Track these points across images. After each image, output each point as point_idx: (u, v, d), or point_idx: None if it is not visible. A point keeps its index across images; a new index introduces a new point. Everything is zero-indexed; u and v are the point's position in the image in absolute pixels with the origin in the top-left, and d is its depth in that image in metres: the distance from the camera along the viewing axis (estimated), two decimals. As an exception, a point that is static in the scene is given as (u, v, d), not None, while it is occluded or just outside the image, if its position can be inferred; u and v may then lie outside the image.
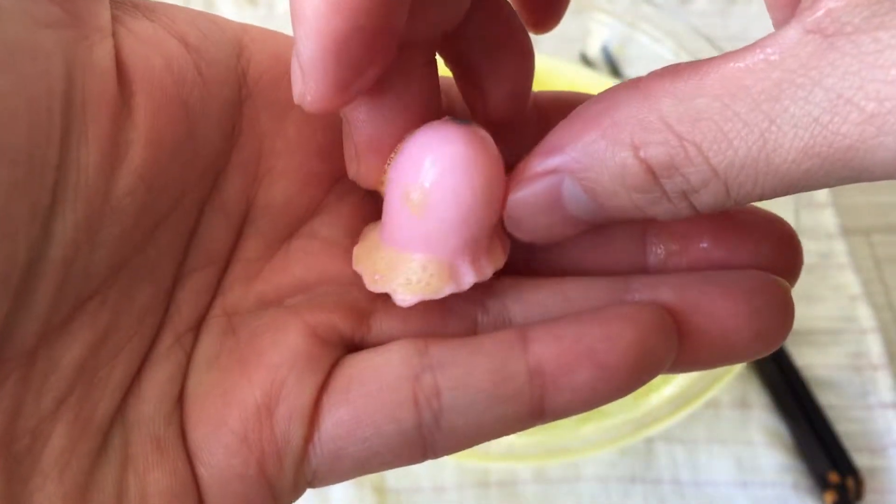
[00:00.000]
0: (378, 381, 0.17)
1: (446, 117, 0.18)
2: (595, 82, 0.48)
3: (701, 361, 0.17)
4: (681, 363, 0.17)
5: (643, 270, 0.19)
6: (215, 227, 0.18)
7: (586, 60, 0.52)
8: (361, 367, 0.17)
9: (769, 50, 0.14)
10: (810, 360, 0.42)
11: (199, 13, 0.18)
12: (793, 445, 0.39)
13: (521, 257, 0.19)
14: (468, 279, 0.18)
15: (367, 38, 0.16)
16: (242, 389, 0.17)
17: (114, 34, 0.16)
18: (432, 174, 0.17)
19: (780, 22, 0.15)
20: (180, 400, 0.17)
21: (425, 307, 0.18)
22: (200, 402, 0.17)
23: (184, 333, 0.17)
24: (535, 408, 0.17)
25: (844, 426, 0.39)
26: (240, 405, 0.17)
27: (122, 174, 0.15)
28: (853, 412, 0.40)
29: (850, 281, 0.44)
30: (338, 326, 0.18)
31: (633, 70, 0.51)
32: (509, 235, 0.18)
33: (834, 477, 0.37)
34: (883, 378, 0.41)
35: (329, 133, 0.19)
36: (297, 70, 0.16)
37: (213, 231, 0.18)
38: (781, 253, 0.18)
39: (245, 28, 0.19)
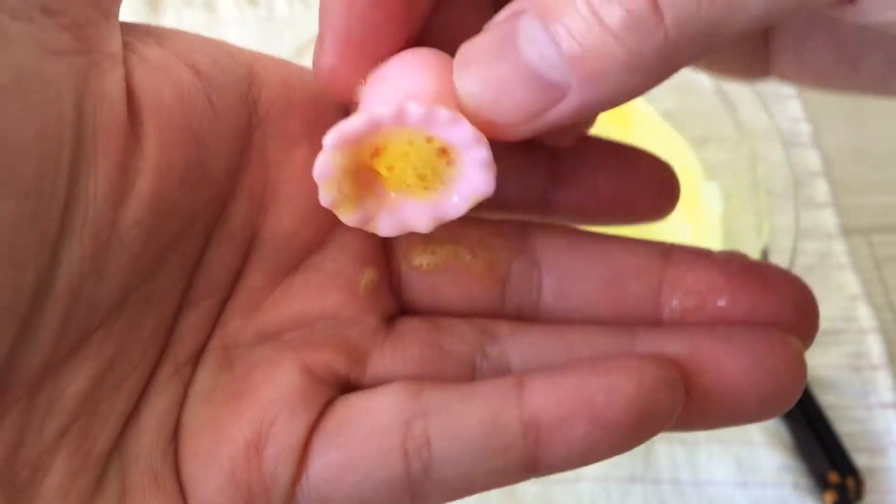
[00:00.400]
0: (370, 426, 0.16)
1: None
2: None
3: (708, 421, 0.17)
4: (687, 422, 0.16)
5: (657, 324, 0.18)
6: (220, 256, 0.18)
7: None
8: (354, 409, 0.17)
9: None
10: (810, 360, 0.41)
11: (212, 41, 0.18)
12: (793, 445, 0.39)
13: (529, 300, 0.19)
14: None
15: (386, 15, 0.16)
16: (233, 425, 0.17)
17: (125, 61, 0.16)
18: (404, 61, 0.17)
19: None
20: (176, 432, 0.17)
21: (422, 350, 0.17)
22: (194, 436, 0.17)
23: (183, 364, 0.17)
24: (529, 461, 0.16)
25: (844, 426, 0.39)
26: (230, 441, 0.17)
27: (131, 204, 0.15)
28: (853, 412, 0.40)
29: (850, 281, 0.44)
30: (333, 365, 0.17)
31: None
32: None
33: (834, 477, 0.37)
34: (883, 378, 0.41)
35: None
36: (319, 37, 0.16)
37: (218, 260, 0.18)
38: (798, 314, 0.18)
39: (257, 56, 0.19)
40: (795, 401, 0.17)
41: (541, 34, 0.14)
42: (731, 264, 0.18)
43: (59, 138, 0.14)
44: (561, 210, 0.20)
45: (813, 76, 0.19)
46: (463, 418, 0.16)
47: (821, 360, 0.42)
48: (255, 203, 0.18)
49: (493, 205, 0.19)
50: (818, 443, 0.38)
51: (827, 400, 0.40)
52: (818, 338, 0.44)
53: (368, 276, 0.19)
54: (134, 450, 0.16)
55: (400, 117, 0.16)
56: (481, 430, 0.16)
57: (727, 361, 0.16)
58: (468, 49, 0.16)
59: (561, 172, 0.20)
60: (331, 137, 0.16)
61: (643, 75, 0.14)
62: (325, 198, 0.17)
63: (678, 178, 0.20)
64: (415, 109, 0.16)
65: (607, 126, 0.46)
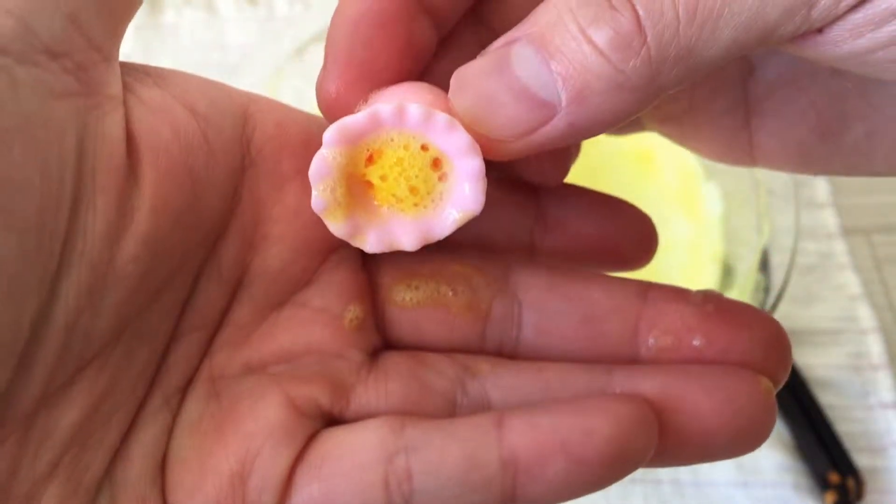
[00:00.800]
0: (351, 461, 0.17)
1: None
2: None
3: (679, 458, 0.17)
4: (659, 459, 0.17)
5: (633, 361, 0.18)
6: (210, 291, 0.18)
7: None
8: (337, 443, 0.17)
9: None
10: (810, 360, 0.42)
11: (209, 82, 0.18)
12: (793, 445, 0.39)
13: (509, 337, 0.19)
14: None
15: (384, 21, 0.16)
16: (219, 456, 0.17)
17: (125, 102, 0.16)
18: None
19: None
20: (164, 461, 0.17)
21: (404, 385, 0.18)
22: (180, 466, 0.17)
23: (172, 395, 0.18)
24: (507, 497, 0.16)
25: (844, 426, 0.39)
26: (215, 472, 0.17)
27: (127, 241, 0.16)
28: (853, 412, 0.40)
29: (850, 281, 0.44)
30: (318, 399, 0.18)
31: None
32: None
33: (834, 477, 0.37)
34: (883, 378, 0.41)
35: None
36: (324, 61, 0.17)
37: (208, 295, 0.18)
38: (770, 353, 0.18)
39: (252, 98, 0.19)
40: (765, 439, 0.17)
41: (533, 55, 0.15)
42: (707, 304, 0.19)
43: (61, 177, 0.15)
44: (546, 253, 0.20)
45: (798, 157, 0.20)
46: (444, 454, 0.16)
47: (821, 360, 0.42)
48: (246, 241, 0.18)
49: (481, 246, 0.20)
50: (818, 443, 0.38)
51: (827, 400, 0.40)
52: (818, 338, 0.45)
53: (353, 311, 0.19)
54: (123, 478, 0.17)
55: (400, 116, 0.16)
56: (461, 466, 0.16)
57: (699, 401, 0.17)
58: (465, 70, 0.16)
59: (548, 216, 0.20)
60: (330, 133, 0.16)
61: (630, 95, 0.15)
62: (318, 201, 0.17)
63: (657, 230, 0.21)
64: (414, 109, 0.16)
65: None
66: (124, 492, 0.17)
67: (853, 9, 0.13)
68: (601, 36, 0.14)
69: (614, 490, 0.38)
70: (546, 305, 0.19)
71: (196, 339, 0.18)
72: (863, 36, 0.14)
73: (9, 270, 0.14)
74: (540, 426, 0.16)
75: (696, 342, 0.18)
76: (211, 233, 0.18)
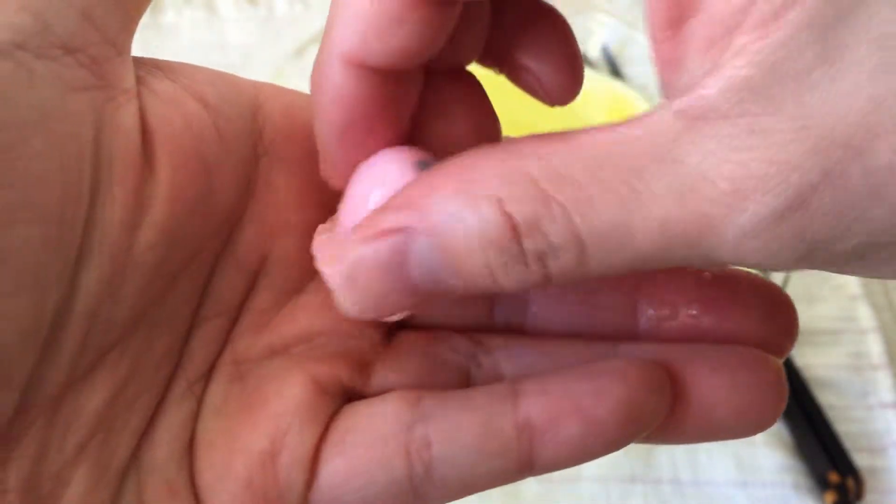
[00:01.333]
0: (372, 433, 0.17)
1: (406, 151, 0.18)
2: (595, 82, 0.48)
3: (684, 436, 0.17)
4: (663, 435, 0.17)
5: (633, 334, 0.19)
6: (229, 278, 0.18)
7: (586, 60, 0.52)
8: (357, 418, 0.18)
9: (639, 126, 0.14)
10: (810, 360, 0.42)
11: (218, 73, 0.19)
12: (793, 445, 0.39)
13: (516, 315, 0.19)
14: None
15: (367, 128, 0.17)
16: (248, 437, 0.17)
17: (138, 95, 0.17)
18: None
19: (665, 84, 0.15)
20: (191, 445, 0.18)
21: (420, 360, 0.18)
22: (208, 448, 0.18)
23: (195, 381, 0.18)
24: (524, 462, 0.17)
25: (844, 426, 0.39)
26: (245, 452, 0.17)
27: (145, 229, 0.16)
28: (853, 412, 0.40)
29: (850, 281, 0.44)
30: (339, 376, 0.18)
31: (634, 70, 0.51)
32: None
33: (834, 477, 0.37)
34: (883, 378, 0.41)
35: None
36: (319, 153, 0.18)
37: (226, 282, 0.18)
38: (773, 322, 0.18)
39: (259, 87, 0.19)
40: (775, 419, 0.17)
41: (432, 257, 0.15)
42: (705, 272, 0.19)
43: (79, 168, 0.15)
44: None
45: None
46: (460, 423, 0.17)
47: (821, 360, 0.42)
48: (264, 227, 0.19)
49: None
50: (818, 443, 0.38)
51: (827, 400, 0.40)
52: (818, 338, 0.45)
53: None
54: (150, 462, 0.17)
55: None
56: (478, 433, 0.17)
57: (704, 377, 0.17)
58: (356, 263, 0.15)
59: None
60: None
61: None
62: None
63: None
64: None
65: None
66: (151, 475, 0.17)
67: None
68: (504, 271, 0.15)
69: (615, 490, 0.38)
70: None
71: (217, 325, 0.18)
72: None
73: (31, 260, 0.14)
74: (553, 391, 0.17)
75: (693, 311, 0.18)
76: (226, 221, 0.18)
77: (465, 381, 0.19)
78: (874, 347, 0.42)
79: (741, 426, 0.17)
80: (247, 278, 0.19)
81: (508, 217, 0.14)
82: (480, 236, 0.14)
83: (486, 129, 0.19)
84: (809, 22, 0.13)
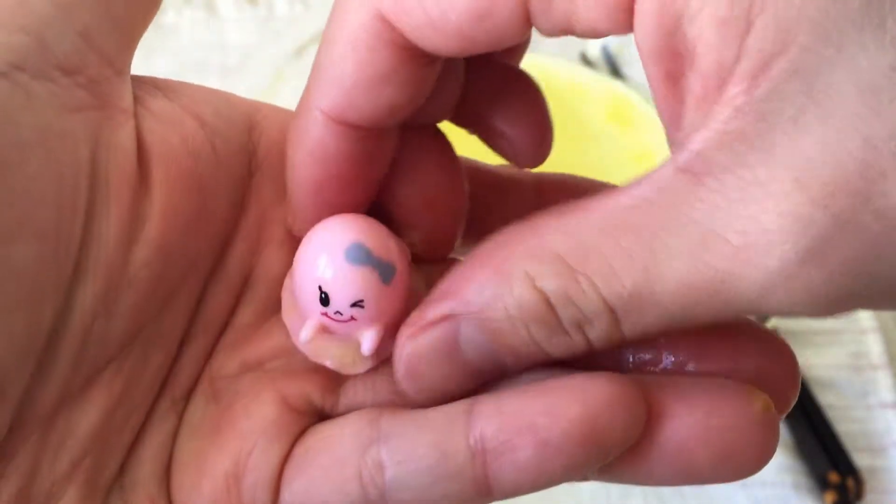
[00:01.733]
0: (330, 455, 0.17)
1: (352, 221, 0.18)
2: (595, 82, 0.48)
3: (654, 478, 0.16)
4: (633, 477, 0.16)
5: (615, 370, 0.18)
6: (218, 294, 0.18)
7: (586, 60, 0.52)
8: (319, 437, 0.17)
9: (647, 187, 0.14)
10: (810, 360, 0.42)
11: (215, 92, 0.19)
12: (793, 445, 0.39)
13: None
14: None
15: (341, 186, 0.17)
16: (215, 457, 0.17)
17: (136, 115, 0.17)
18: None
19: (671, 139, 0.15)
20: (169, 463, 0.18)
21: (392, 380, 0.18)
22: (182, 468, 0.18)
23: (179, 398, 0.18)
24: (481, 485, 0.16)
25: (844, 426, 0.39)
26: (211, 473, 0.17)
27: (140, 246, 0.16)
28: (853, 412, 0.40)
29: (850, 281, 0.44)
30: (309, 395, 0.18)
31: (633, 70, 0.51)
32: None
33: (834, 477, 0.37)
34: (883, 378, 0.41)
35: None
36: (288, 203, 0.18)
37: (216, 298, 0.18)
38: (771, 367, 0.17)
39: (257, 106, 0.20)
40: (762, 464, 0.16)
41: (480, 338, 0.16)
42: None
43: (76, 187, 0.15)
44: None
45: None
46: (415, 444, 0.16)
47: (821, 360, 0.42)
48: (251, 243, 0.19)
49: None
50: (818, 443, 0.38)
51: (827, 400, 0.40)
52: (818, 338, 0.45)
53: None
54: (133, 480, 0.17)
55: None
56: (431, 455, 0.16)
57: (679, 414, 0.15)
58: (411, 354, 0.17)
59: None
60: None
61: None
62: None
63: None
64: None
65: (606, 125, 0.46)
66: (134, 494, 0.17)
67: None
68: (549, 342, 0.15)
69: (615, 490, 0.38)
70: None
71: (202, 342, 0.18)
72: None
73: (28, 278, 0.15)
74: (507, 411, 0.16)
75: (683, 357, 0.17)
76: (219, 238, 0.18)
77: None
78: (874, 347, 0.42)
79: (721, 471, 0.16)
80: (233, 295, 0.19)
81: (540, 292, 0.15)
82: (520, 312, 0.15)
83: (453, 185, 0.20)
84: (795, 70, 0.13)
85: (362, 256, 0.17)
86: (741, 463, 0.16)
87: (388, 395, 0.18)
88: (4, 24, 0.15)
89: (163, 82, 0.18)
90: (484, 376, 0.17)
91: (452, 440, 0.16)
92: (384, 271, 0.17)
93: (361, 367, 0.18)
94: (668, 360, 0.17)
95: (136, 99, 0.17)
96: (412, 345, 0.17)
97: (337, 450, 0.17)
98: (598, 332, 0.15)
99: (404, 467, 0.16)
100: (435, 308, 0.16)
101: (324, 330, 0.18)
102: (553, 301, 0.15)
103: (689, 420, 0.15)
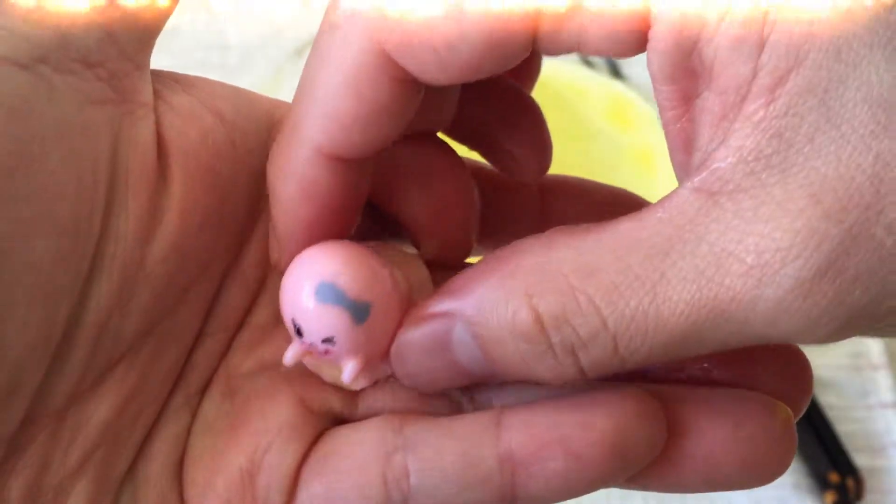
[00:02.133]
0: (352, 459, 0.17)
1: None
2: (595, 82, 0.48)
3: (683, 485, 0.17)
4: (661, 484, 0.17)
5: (641, 378, 0.18)
6: (234, 292, 0.18)
7: (586, 60, 0.52)
8: (339, 442, 0.17)
9: (661, 208, 0.14)
10: (810, 360, 0.42)
11: (235, 88, 0.19)
12: (793, 445, 0.39)
13: None
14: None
15: (331, 219, 0.17)
16: (230, 454, 0.17)
17: (155, 109, 0.17)
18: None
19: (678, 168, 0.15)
20: (182, 460, 0.18)
21: (413, 389, 0.18)
22: (195, 464, 0.18)
23: (193, 395, 0.18)
24: (506, 495, 0.16)
25: (844, 426, 0.39)
26: (226, 470, 0.17)
27: (157, 242, 0.16)
28: (853, 412, 0.40)
29: (850, 281, 0.44)
30: (327, 398, 0.18)
31: (633, 70, 0.51)
32: None
33: (834, 477, 0.37)
34: (883, 378, 0.41)
35: None
36: (273, 239, 0.18)
37: (232, 296, 0.18)
38: (788, 379, 0.17)
39: (276, 103, 0.20)
40: (782, 471, 0.16)
41: (470, 342, 0.16)
42: None
43: (95, 181, 0.15)
44: None
45: None
46: (441, 451, 0.16)
47: (821, 360, 0.42)
48: (269, 244, 0.19)
49: None
50: (818, 443, 0.38)
51: (827, 400, 0.40)
52: (818, 338, 0.44)
53: None
54: (145, 476, 0.17)
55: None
56: (458, 463, 0.16)
57: (705, 425, 0.16)
58: (405, 341, 0.17)
59: None
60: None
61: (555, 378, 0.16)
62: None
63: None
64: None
65: (606, 125, 0.46)
66: (145, 489, 0.17)
67: None
68: (537, 363, 0.15)
69: (615, 490, 0.38)
70: None
71: (218, 340, 0.18)
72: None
73: (45, 273, 0.15)
74: (538, 423, 0.16)
75: (704, 364, 0.18)
76: (237, 235, 0.18)
77: (456, 412, 0.18)
78: (874, 347, 0.42)
79: (745, 479, 0.16)
80: (250, 294, 0.19)
81: (535, 311, 0.15)
82: (511, 328, 0.15)
83: (464, 191, 0.20)
84: (809, 87, 0.13)
85: (331, 296, 0.17)
86: (764, 471, 0.16)
87: (409, 402, 0.18)
88: (26, 17, 0.15)
89: (182, 77, 0.18)
90: (475, 379, 0.17)
91: (481, 449, 0.16)
92: (356, 311, 0.17)
93: (356, 386, 0.18)
94: (691, 367, 0.17)
95: (155, 93, 0.17)
96: (407, 334, 0.17)
97: (359, 455, 0.17)
98: (592, 358, 0.15)
99: (431, 474, 0.16)
100: (436, 303, 0.17)
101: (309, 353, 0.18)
102: (546, 321, 0.15)
103: (718, 432, 0.16)
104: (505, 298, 0.15)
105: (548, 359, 0.15)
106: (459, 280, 0.16)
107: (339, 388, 0.18)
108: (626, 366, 0.15)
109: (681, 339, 0.14)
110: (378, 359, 0.18)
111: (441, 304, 0.16)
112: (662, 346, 0.14)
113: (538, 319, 0.15)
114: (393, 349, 0.17)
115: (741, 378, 0.17)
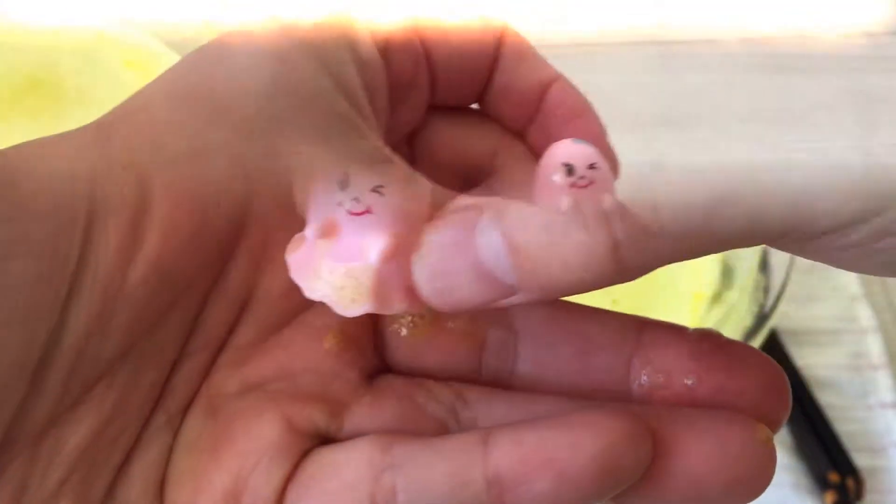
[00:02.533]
0: (339, 479, 0.17)
1: None
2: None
3: (668, 501, 0.17)
4: (647, 501, 0.17)
5: (625, 397, 0.18)
6: (216, 313, 0.18)
7: (586, 60, 0.52)
8: (325, 462, 0.17)
9: None
10: (810, 360, 0.42)
11: None
12: (793, 445, 0.39)
13: (505, 368, 0.19)
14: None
15: None
16: (212, 474, 0.17)
17: None
18: None
19: None
20: (163, 481, 0.17)
21: (398, 406, 0.18)
22: (177, 485, 0.17)
23: (174, 415, 0.18)
24: None
25: (844, 426, 0.39)
26: (208, 490, 0.17)
27: (137, 264, 0.16)
28: (853, 412, 0.40)
29: (850, 281, 0.44)
30: (313, 418, 0.18)
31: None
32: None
33: (834, 477, 0.37)
34: (883, 378, 0.41)
35: None
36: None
37: (214, 317, 0.18)
38: (768, 398, 0.18)
39: None
40: (763, 489, 0.17)
41: (498, 241, 0.15)
42: (703, 343, 0.18)
43: (74, 206, 0.15)
44: None
45: None
46: (429, 472, 0.16)
47: (821, 360, 0.42)
48: (254, 263, 0.19)
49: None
50: (818, 443, 0.38)
51: (827, 400, 0.40)
52: (818, 338, 0.44)
53: (329, 341, 0.19)
54: (125, 498, 0.17)
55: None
56: (447, 484, 0.16)
57: (690, 445, 0.16)
58: (430, 236, 0.16)
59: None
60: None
61: (590, 288, 0.15)
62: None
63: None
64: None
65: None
66: None
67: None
68: (570, 249, 0.15)
69: (614, 490, 0.38)
70: (541, 337, 0.19)
71: (200, 360, 0.18)
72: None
73: (24, 295, 0.14)
74: (525, 443, 0.16)
75: (688, 381, 0.18)
76: (219, 255, 0.18)
77: (442, 432, 0.18)
78: (874, 347, 0.42)
79: (728, 496, 0.17)
80: (233, 313, 0.18)
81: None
82: (543, 224, 0.15)
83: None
84: None
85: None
86: (746, 489, 0.17)
87: (395, 423, 0.18)
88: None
89: None
90: (494, 292, 0.16)
91: (469, 469, 0.16)
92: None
93: (358, 309, 0.17)
94: (677, 383, 0.18)
95: None
96: (432, 234, 0.16)
97: (346, 475, 0.17)
98: (627, 227, 0.14)
99: (419, 494, 0.16)
100: (462, 199, 0.16)
101: (332, 230, 0.17)
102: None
103: (702, 451, 0.16)
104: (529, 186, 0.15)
105: (577, 232, 0.14)
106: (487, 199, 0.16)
107: (326, 408, 0.18)
108: (664, 239, 0.14)
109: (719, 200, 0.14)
110: (397, 291, 0.17)
111: (468, 200, 0.16)
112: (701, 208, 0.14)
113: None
114: (416, 250, 0.16)
115: (722, 395, 0.17)
